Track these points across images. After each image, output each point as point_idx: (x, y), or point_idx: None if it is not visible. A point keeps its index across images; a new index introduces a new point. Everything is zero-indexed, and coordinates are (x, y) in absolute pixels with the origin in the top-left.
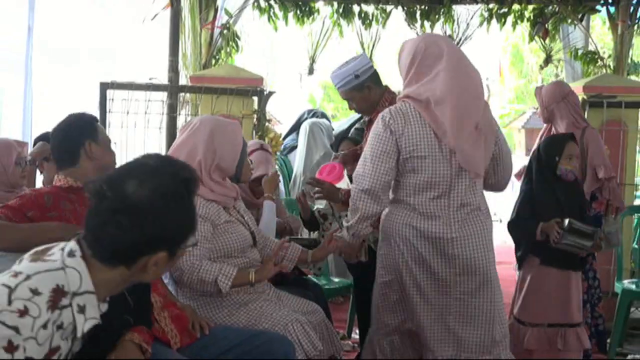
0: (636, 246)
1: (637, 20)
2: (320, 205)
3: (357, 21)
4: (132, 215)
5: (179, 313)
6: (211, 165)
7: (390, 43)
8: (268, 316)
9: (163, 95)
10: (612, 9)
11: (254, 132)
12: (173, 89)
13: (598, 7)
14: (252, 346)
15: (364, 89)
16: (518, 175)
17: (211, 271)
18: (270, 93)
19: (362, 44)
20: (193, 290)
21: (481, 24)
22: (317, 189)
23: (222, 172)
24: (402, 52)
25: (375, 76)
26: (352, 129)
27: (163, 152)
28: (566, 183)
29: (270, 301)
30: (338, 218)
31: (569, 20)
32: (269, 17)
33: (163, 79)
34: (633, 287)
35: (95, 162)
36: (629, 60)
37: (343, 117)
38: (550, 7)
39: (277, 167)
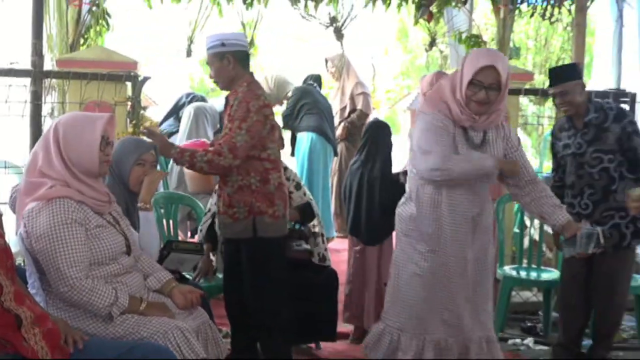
0: (517, 231)
1: (518, 4)
2: None
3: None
4: None
5: (51, 328)
6: (68, 165)
7: (273, 24)
8: (146, 324)
9: (26, 81)
10: None
11: (127, 121)
12: (37, 74)
13: None
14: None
15: (223, 59)
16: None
17: (105, 296)
18: (145, 79)
19: (243, 24)
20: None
21: (366, 5)
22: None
23: (86, 171)
24: None
25: (240, 55)
26: None
27: (27, 142)
28: None
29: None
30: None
31: (453, 3)
32: None
33: (26, 63)
34: (514, 273)
35: None
36: (511, 45)
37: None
38: None
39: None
